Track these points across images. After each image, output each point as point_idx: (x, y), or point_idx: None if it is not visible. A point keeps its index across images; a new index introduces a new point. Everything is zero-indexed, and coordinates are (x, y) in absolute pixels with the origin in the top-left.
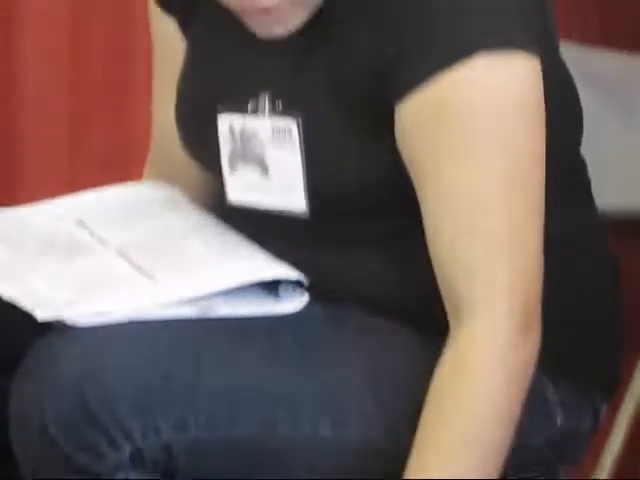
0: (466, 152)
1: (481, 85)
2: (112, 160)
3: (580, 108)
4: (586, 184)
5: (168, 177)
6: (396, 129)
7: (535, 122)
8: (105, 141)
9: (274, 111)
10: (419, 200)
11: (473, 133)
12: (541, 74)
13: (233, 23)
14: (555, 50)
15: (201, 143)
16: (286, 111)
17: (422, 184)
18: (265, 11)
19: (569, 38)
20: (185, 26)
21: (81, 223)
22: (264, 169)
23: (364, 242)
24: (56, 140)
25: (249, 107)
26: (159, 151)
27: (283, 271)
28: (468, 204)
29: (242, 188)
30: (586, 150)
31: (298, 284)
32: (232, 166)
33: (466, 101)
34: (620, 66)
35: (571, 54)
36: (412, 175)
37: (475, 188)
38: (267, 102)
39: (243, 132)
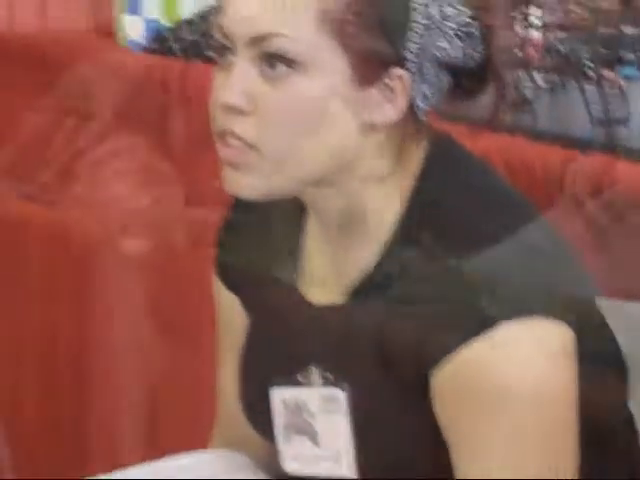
0: (494, 422)
1: (503, 356)
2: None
3: (623, 361)
4: (635, 439)
5: (234, 443)
6: (431, 395)
7: (565, 387)
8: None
9: (323, 383)
10: (453, 461)
11: (498, 404)
12: (570, 337)
13: (285, 299)
14: (591, 306)
15: (259, 415)
16: (335, 382)
17: (457, 448)
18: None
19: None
20: (248, 305)
21: None
22: (314, 439)
23: None
24: None
25: (300, 379)
26: (224, 418)
27: None
28: (502, 468)
29: (295, 459)
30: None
31: None
32: (286, 438)
33: (489, 372)
34: None
35: (614, 307)
36: (448, 440)
37: (509, 453)
38: (317, 374)
39: (295, 404)
